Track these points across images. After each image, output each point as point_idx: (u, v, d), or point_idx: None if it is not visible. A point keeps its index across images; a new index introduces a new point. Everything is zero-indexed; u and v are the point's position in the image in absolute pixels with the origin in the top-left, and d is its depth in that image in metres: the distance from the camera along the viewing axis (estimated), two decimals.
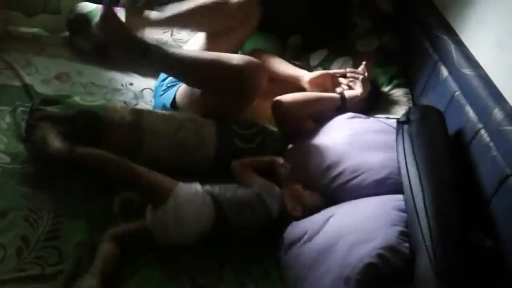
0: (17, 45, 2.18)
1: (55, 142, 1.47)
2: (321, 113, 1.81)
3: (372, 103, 1.90)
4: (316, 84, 1.90)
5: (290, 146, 1.77)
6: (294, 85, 1.96)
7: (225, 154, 1.70)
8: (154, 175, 1.48)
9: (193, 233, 1.45)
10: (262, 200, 1.51)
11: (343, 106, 1.80)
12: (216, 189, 1.51)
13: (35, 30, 2.32)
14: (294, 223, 1.49)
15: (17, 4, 2.26)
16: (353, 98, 1.82)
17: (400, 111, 1.85)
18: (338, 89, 1.87)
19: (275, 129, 1.78)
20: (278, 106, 1.76)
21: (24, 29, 2.31)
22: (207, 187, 1.52)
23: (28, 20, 2.31)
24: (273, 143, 1.75)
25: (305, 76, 1.94)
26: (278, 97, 1.78)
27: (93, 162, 1.48)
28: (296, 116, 1.77)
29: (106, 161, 1.47)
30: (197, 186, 1.50)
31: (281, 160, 1.67)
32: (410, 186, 1.33)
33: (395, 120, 1.63)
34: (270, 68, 1.98)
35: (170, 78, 1.92)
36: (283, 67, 2.02)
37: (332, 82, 1.92)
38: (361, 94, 1.82)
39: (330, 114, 1.79)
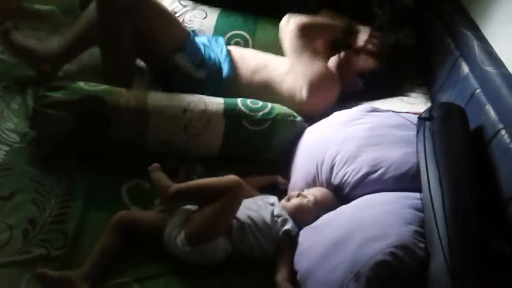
0: (31, 23, 2.15)
1: None
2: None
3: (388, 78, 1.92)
4: None
5: (303, 139, 1.73)
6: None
7: (233, 136, 1.68)
8: None
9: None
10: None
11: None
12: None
13: (49, 7, 2.29)
14: None
15: None
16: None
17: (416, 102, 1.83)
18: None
19: (285, 110, 1.74)
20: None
21: (38, 7, 2.28)
22: None
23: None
24: (283, 127, 1.71)
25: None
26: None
27: None
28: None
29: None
30: None
31: (280, 178, 1.68)
32: (429, 184, 1.29)
33: (414, 115, 1.59)
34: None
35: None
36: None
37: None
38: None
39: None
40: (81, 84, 1.65)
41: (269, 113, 1.71)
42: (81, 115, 1.58)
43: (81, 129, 1.59)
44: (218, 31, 2.13)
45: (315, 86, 1.85)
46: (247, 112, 1.69)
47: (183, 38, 1.86)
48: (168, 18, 1.86)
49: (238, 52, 1.97)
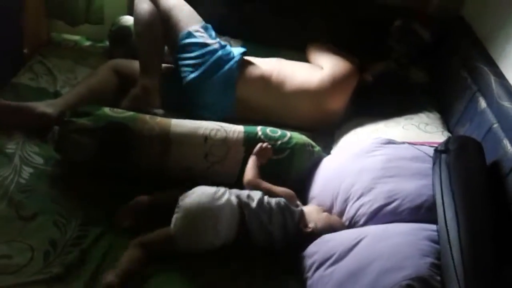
0: (59, 52, 2.24)
1: None
2: None
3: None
4: None
5: (320, 168, 1.75)
6: None
7: None
8: None
9: (212, 241, 1.45)
10: (286, 207, 1.52)
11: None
12: (244, 196, 1.52)
13: (77, 38, 2.38)
14: (323, 242, 1.47)
15: (60, 13, 2.32)
16: None
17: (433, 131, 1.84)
18: None
19: (304, 139, 1.77)
20: None
21: (66, 36, 2.37)
22: (236, 191, 1.53)
23: (70, 29, 2.37)
24: (301, 156, 1.74)
25: None
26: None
27: None
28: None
29: None
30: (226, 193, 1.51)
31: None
32: (445, 217, 1.30)
33: (430, 148, 1.60)
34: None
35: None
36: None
37: None
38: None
39: None
40: (106, 110, 1.69)
41: (288, 142, 1.73)
42: (105, 141, 1.62)
43: (104, 155, 1.63)
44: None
45: (338, 75, 1.99)
46: (267, 140, 1.71)
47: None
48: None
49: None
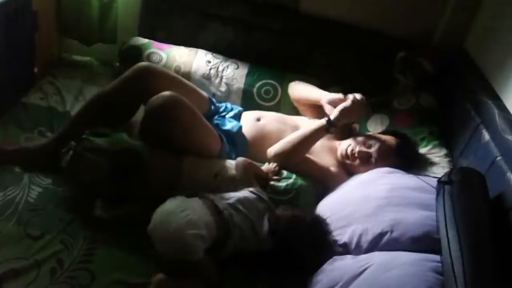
0: (69, 72, 2.27)
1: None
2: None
3: (409, 164, 1.88)
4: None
5: (323, 200, 1.78)
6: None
7: None
8: None
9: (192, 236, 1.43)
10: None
11: (330, 125, 1.85)
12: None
13: (88, 58, 2.42)
14: (326, 271, 1.48)
15: (74, 32, 2.36)
16: (341, 114, 1.86)
17: (439, 171, 1.84)
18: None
19: (307, 182, 1.80)
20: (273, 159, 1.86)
21: (77, 57, 2.41)
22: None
23: (81, 50, 2.40)
24: (306, 196, 1.78)
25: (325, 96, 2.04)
26: (270, 150, 1.86)
27: None
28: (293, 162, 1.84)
29: None
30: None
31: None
32: (449, 249, 1.31)
33: (434, 179, 1.63)
34: (300, 94, 2.16)
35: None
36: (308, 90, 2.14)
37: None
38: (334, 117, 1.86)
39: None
40: (124, 135, 1.72)
41: (293, 184, 1.78)
42: (117, 165, 1.63)
43: (114, 178, 1.63)
44: (249, 79, 2.26)
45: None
46: (271, 183, 1.76)
47: None
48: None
49: (252, 127, 2.01)
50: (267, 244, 1.52)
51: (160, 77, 1.85)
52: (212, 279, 1.45)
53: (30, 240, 1.48)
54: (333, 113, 1.87)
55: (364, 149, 1.88)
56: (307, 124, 1.99)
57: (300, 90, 2.19)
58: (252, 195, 1.61)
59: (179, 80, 1.97)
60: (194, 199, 1.53)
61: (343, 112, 1.86)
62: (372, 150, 1.88)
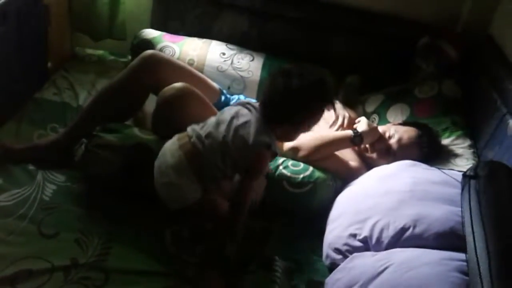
0: (82, 66, 2.27)
1: None
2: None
3: (431, 155, 1.83)
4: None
5: (342, 193, 1.72)
6: None
7: (273, 196, 1.70)
8: None
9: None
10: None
11: (358, 141, 1.80)
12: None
13: (101, 52, 2.40)
14: (345, 269, 1.44)
15: (85, 28, 2.34)
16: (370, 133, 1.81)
17: (462, 163, 1.78)
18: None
19: (326, 173, 1.75)
20: (295, 153, 1.78)
21: (90, 51, 2.39)
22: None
23: (94, 44, 2.39)
24: (323, 190, 1.72)
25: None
26: (295, 145, 1.78)
27: None
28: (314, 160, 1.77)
29: None
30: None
31: None
32: (475, 248, 1.25)
33: (458, 172, 1.56)
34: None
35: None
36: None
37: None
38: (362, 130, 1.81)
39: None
40: (135, 130, 1.70)
41: (310, 176, 1.72)
42: (129, 160, 1.62)
43: (127, 174, 1.62)
44: (265, 72, 2.21)
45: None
46: (288, 174, 1.71)
47: None
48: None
49: None
50: None
51: (167, 64, 1.83)
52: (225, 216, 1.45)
53: (44, 239, 1.47)
54: (359, 126, 1.82)
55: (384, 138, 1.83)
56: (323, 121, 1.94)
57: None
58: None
59: (187, 69, 1.95)
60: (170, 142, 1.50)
61: (369, 125, 1.81)
62: (392, 141, 1.82)
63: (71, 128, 1.78)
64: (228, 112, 1.49)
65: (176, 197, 1.46)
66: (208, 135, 1.45)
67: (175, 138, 1.49)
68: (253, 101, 2.06)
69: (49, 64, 2.21)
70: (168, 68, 1.81)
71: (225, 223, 1.46)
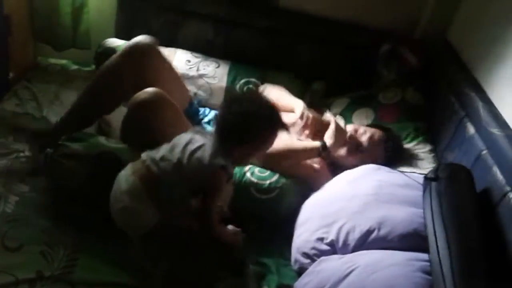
0: (45, 76, 2.22)
1: None
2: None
3: (394, 158, 1.88)
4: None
5: (309, 198, 1.75)
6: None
7: (241, 202, 1.71)
8: None
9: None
10: None
11: (325, 154, 1.81)
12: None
13: (64, 62, 2.36)
14: (313, 273, 1.45)
15: (47, 38, 2.31)
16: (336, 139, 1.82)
17: (424, 166, 1.82)
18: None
19: (291, 180, 1.77)
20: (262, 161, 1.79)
21: (53, 60, 2.35)
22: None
23: (57, 53, 2.36)
24: (289, 194, 1.75)
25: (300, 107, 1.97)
26: None
27: None
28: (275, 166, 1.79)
29: None
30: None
31: None
32: (437, 248, 1.29)
33: (420, 175, 1.61)
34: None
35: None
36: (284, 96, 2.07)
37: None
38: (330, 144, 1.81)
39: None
40: (101, 139, 1.68)
41: (277, 181, 1.74)
42: (95, 170, 1.59)
43: (93, 184, 1.59)
44: (231, 78, 2.24)
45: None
46: (255, 180, 1.73)
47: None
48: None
49: None
50: None
51: (157, 56, 1.90)
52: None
53: (8, 252, 1.43)
54: (327, 139, 1.83)
55: (354, 135, 1.87)
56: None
57: (274, 96, 2.05)
58: None
59: (170, 65, 1.99)
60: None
61: (336, 136, 1.82)
62: (364, 138, 1.86)
63: (68, 114, 1.82)
64: (182, 137, 1.51)
65: (132, 223, 1.46)
66: (163, 158, 1.46)
67: (128, 166, 1.49)
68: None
69: (11, 75, 2.16)
70: (155, 58, 1.87)
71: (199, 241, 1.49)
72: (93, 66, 2.24)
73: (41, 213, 1.58)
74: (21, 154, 1.78)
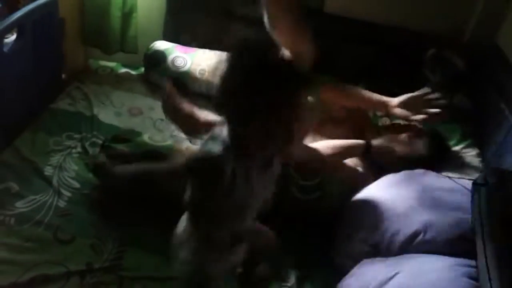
0: (96, 78, 2.30)
1: None
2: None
3: (439, 162, 1.84)
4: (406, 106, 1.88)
5: (352, 199, 1.74)
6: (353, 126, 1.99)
7: (282, 203, 1.69)
8: None
9: None
10: None
11: (367, 153, 1.80)
12: None
13: (113, 64, 2.44)
14: (356, 274, 1.45)
15: (97, 42, 2.39)
16: (382, 148, 1.80)
17: (471, 172, 1.79)
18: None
19: (334, 181, 1.76)
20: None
21: (103, 63, 2.44)
22: None
23: (107, 56, 2.43)
24: (332, 195, 1.73)
25: (392, 101, 1.92)
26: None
27: None
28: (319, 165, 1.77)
29: None
30: None
31: None
32: (485, 253, 1.26)
33: (468, 181, 1.58)
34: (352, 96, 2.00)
35: None
36: (367, 94, 2.00)
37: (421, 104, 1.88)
38: (395, 150, 1.80)
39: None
40: (145, 138, 1.73)
41: (319, 183, 1.73)
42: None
43: (139, 182, 1.64)
44: None
45: None
46: (298, 180, 1.73)
47: None
48: None
49: None
50: None
51: None
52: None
53: (60, 244, 1.50)
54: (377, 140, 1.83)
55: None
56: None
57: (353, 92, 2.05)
58: None
59: None
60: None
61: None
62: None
63: None
64: None
65: None
66: None
67: None
68: None
69: (64, 76, 2.25)
70: None
71: None
72: (142, 69, 2.30)
73: (91, 209, 1.64)
74: (73, 151, 1.86)
